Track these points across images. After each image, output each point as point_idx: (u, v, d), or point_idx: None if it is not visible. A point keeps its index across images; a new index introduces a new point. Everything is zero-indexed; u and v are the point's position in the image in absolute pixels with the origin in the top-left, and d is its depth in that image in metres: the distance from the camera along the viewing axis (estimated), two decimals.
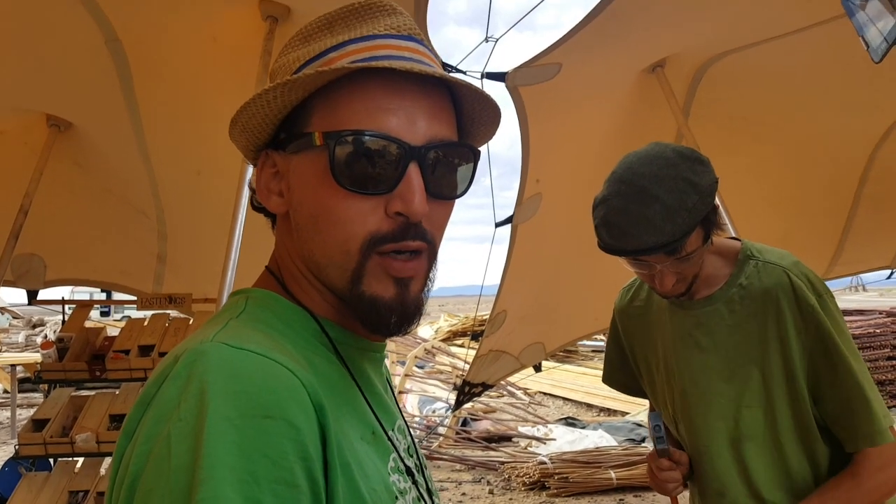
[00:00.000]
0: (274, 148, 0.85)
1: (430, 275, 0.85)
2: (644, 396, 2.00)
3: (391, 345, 9.61)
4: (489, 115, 0.88)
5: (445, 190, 0.83)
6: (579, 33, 3.21)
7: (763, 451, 1.65)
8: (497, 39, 3.45)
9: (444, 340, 13.22)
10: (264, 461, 0.63)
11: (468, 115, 0.88)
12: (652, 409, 1.95)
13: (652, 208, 1.49)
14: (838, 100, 3.79)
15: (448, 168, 0.82)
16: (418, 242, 0.80)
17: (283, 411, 0.66)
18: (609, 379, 2.07)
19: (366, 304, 0.80)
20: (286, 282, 0.86)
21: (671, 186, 1.50)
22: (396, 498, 0.80)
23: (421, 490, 0.88)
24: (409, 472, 0.87)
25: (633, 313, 1.91)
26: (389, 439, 0.85)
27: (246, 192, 2.68)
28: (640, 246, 1.51)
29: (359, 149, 0.77)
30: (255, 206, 0.91)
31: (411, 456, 0.91)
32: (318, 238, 0.81)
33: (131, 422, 0.70)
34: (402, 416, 0.95)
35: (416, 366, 9.70)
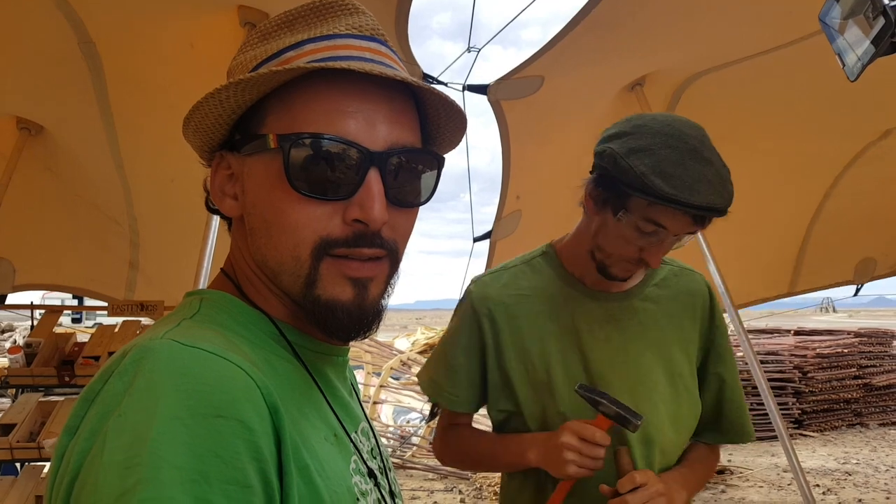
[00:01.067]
0: (228, 149, 0.82)
1: (391, 281, 0.82)
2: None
3: (367, 356, 9.57)
4: (455, 122, 0.85)
5: (408, 197, 0.80)
6: (560, 44, 3.23)
7: (651, 453, 1.60)
8: (479, 50, 3.46)
9: (420, 353, 13.17)
10: (216, 461, 0.61)
11: (433, 120, 0.85)
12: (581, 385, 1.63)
13: (709, 169, 1.44)
14: (812, 120, 3.84)
15: (411, 175, 0.79)
16: (374, 250, 0.77)
17: (237, 411, 0.64)
18: (450, 395, 1.70)
19: (322, 308, 0.77)
20: (242, 285, 0.83)
21: (717, 155, 1.48)
22: (357, 500, 0.78)
23: (383, 492, 0.87)
24: (371, 473, 0.85)
25: (511, 302, 1.67)
26: (352, 441, 0.84)
27: None
28: (703, 202, 1.41)
29: (316, 153, 0.74)
30: (210, 207, 0.88)
31: (374, 458, 0.89)
32: (270, 243, 0.78)
33: (74, 418, 0.67)
34: (368, 418, 0.93)
35: (392, 377, 9.67)
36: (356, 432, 0.87)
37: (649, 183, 1.41)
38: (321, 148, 0.74)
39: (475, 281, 1.72)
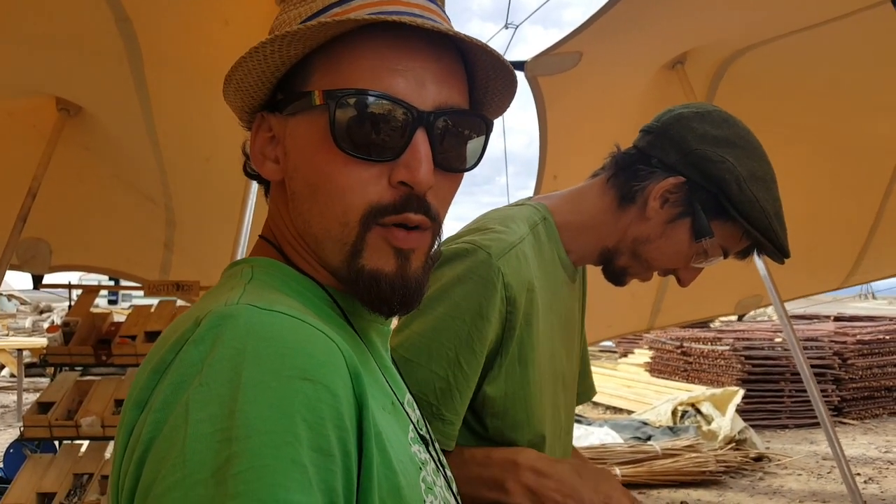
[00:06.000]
0: (270, 110, 0.80)
1: (431, 252, 0.79)
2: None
3: None
4: (504, 83, 0.81)
5: (454, 161, 0.78)
6: (600, 20, 3.15)
7: (568, 444, 1.46)
8: (517, 26, 3.39)
9: None
10: (303, 425, 0.59)
11: (481, 83, 0.82)
12: None
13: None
14: (867, 100, 3.67)
15: (458, 138, 0.77)
16: (420, 216, 0.75)
17: (322, 375, 0.62)
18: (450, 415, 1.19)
19: (366, 280, 0.75)
20: (285, 251, 0.81)
21: None
22: (420, 468, 0.77)
23: (436, 462, 0.85)
24: (424, 441, 0.83)
25: (534, 285, 1.26)
26: (404, 410, 0.82)
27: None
28: (789, 251, 1.28)
29: (362, 111, 0.72)
30: (249, 172, 0.85)
31: (421, 428, 0.87)
32: (315, 209, 0.76)
33: (143, 390, 0.65)
34: (410, 390, 0.91)
35: None
36: (404, 402, 0.85)
37: (770, 225, 1.24)
38: (368, 106, 0.71)
39: (497, 254, 1.21)
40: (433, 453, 0.85)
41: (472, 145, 0.79)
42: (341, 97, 0.72)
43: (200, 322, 0.65)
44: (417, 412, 0.89)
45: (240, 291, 0.71)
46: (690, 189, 1.26)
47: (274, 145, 0.80)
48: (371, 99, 0.72)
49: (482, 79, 0.81)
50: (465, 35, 0.73)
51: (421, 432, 0.84)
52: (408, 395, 0.88)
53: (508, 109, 0.87)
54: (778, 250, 1.27)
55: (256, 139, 0.81)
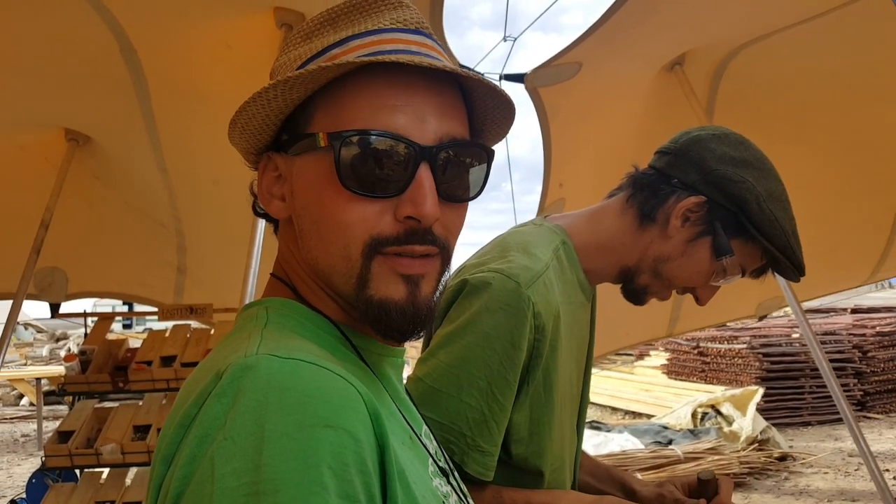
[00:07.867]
0: (275, 150, 0.81)
1: (442, 279, 0.81)
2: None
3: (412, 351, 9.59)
4: (502, 112, 0.84)
5: (458, 192, 0.79)
6: (599, 30, 3.15)
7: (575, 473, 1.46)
8: (515, 38, 3.40)
9: None
10: (328, 472, 0.60)
11: (480, 112, 0.84)
12: None
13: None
14: (874, 89, 3.61)
15: (461, 168, 0.78)
16: (426, 247, 0.76)
17: (343, 421, 0.63)
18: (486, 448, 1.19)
19: (375, 308, 0.76)
20: (298, 288, 0.82)
21: None
22: (443, 502, 0.77)
23: (458, 493, 0.86)
24: (445, 473, 0.84)
25: (559, 312, 1.28)
26: (422, 443, 0.83)
27: None
28: (804, 269, 1.32)
29: (365, 150, 0.73)
30: (257, 211, 0.87)
31: (440, 459, 0.88)
32: (320, 244, 0.77)
33: (170, 445, 0.66)
34: (425, 420, 0.92)
35: None
36: (421, 435, 0.85)
37: (788, 244, 1.28)
38: (371, 144, 0.73)
39: (525, 283, 1.21)
40: (454, 484, 0.86)
41: (475, 174, 0.80)
42: (345, 137, 0.73)
43: (222, 375, 0.66)
44: (434, 443, 0.89)
45: (257, 339, 0.71)
46: (711, 208, 1.29)
47: (281, 184, 0.81)
48: (373, 137, 0.73)
49: (480, 107, 0.83)
50: (461, 70, 0.75)
51: (440, 464, 0.84)
52: (424, 427, 0.89)
53: None
54: (795, 268, 1.31)
55: (263, 179, 0.82)
